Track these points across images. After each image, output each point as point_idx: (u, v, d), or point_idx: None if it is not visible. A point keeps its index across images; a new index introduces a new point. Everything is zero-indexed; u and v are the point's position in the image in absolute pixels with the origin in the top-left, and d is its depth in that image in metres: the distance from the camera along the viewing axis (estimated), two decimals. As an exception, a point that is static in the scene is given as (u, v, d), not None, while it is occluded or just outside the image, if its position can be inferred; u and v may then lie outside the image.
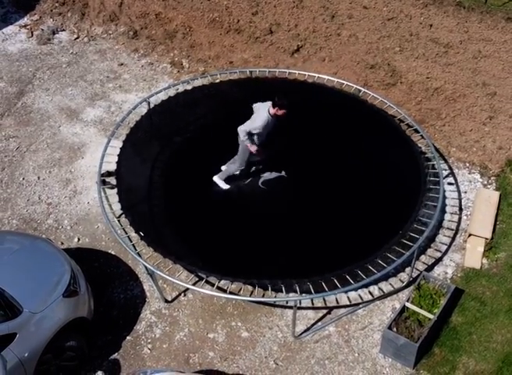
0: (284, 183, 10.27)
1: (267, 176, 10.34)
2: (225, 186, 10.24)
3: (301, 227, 9.40)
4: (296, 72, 11.69)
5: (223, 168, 10.29)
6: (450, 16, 12.57)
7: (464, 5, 12.68)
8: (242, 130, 9.45)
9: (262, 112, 9.44)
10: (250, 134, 9.52)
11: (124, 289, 9.19)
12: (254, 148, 9.62)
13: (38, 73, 12.83)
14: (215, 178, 10.25)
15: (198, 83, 11.68)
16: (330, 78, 11.35)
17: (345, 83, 11.33)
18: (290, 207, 9.70)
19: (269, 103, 9.41)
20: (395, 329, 8.13)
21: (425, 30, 12.43)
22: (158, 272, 8.38)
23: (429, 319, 8.16)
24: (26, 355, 7.32)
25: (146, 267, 8.51)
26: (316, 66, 12.52)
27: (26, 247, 8.42)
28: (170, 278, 8.39)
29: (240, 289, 8.93)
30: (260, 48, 12.99)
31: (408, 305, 8.32)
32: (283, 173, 10.40)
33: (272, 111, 9.38)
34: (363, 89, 11.22)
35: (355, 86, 11.27)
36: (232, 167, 10.16)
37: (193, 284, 8.80)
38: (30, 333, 7.42)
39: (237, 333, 8.66)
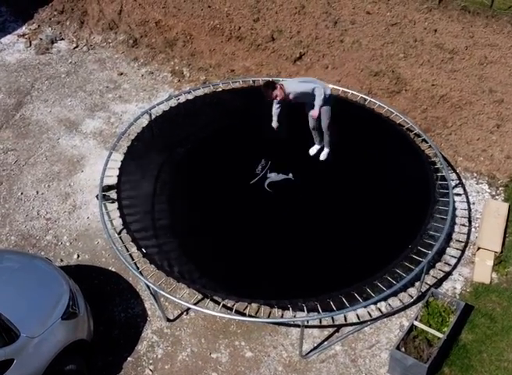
0: (291, 191, 9.97)
1: (273, 177, 10.08)
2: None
3: (308, 243, 9.16)
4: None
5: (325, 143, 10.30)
6: (455, 21, 12.35)
7: (469, 10, 12.46)
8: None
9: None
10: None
11: (125, 307, 8.98)
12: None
13: (37, 84, 12.64)
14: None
15: (200, 92, 11.45)
16: (335, 87, 11.11)
17: (350, 92, 11.12)
18: (296, 223, 9.45)
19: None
20: (403, 349, 7.91)
21: (430, 35, 12.21)
22: (161, 291, 8.17)
23: (438, 338, 7.93)
24: (24, 381, 7.10)
25: (148, 286, 8.29)
26: (319, 73, 12.30)
27: (24, 267, 8.18)
28: (173, 298, 8.17)
29: (246, 307, 8.70)
30: (262, 56, 12.77)
31: (416, 323, 8.09)
32: (290, 175, 10.13)
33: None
34: (369, 98, 11.00)
35: (360, 95, 11.04)
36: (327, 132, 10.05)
37: (197, 302, 8.61)
38: (28, 358, 7.20)
39: (241, 353, 8.45)
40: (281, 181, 10.06)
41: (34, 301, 7.70)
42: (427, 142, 10.26)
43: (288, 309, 8.22)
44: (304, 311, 8.00)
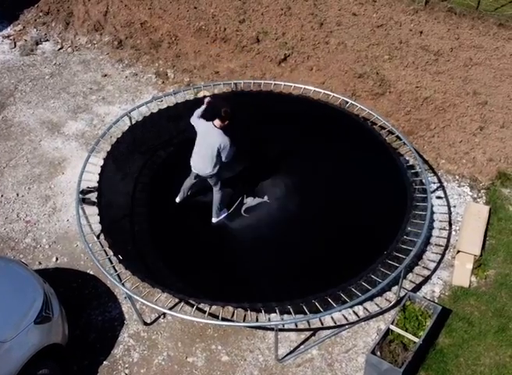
0: (267, 208, 9.98)
1: (249, 202, 10.05)
2: (224, 214, 9.91)
3: (284, 249, 9.12)
4: (282, 83, 11.36)
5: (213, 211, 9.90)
6: (441, 23, 12.31)
7: (456, 11, 12.42)
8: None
9: (216, 134, 9.04)
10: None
11: (102, 311, 8.94)
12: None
13: (20, 85, 12.60)
14: (214, 220, 9.84)
15: (182, 95, 11.40)
16: (317, 90, 11.06)
17: (332, 94, 11.04)
18: (272, 230, 9.42)
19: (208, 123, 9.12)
20: (379, 353, 7.86)
21: (415, 37, 12.17)
22: (136, 296, 8.12)
23: (414, 342, 7.88)
24: (-5, 385, 7.06)
25: (124, 291, 8.25)
26: (304, 75, 12.27)
27: (-1, 270, 8.15)
28: (147, 303, 8.11)
29: (220, 311, 8.65)
30: (246, 58, 12.73)
31: (393, 327, 8.04)
32: (266, 198, 10.09)
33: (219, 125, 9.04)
34: (350, 101, 10.93)
35: (342, 97, 10.96)
36: (216, 198, 9.66)
37: (173, 306, 8.57)
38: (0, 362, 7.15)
39: (217, 357, 8.41)
40: (257, 205, 10.09)
41: (6, 305, 7.63)
42: (407, 145, 10.18)
43: (262, 312, 8.16)
44: (278, 314, 7.94)
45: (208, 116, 9.15)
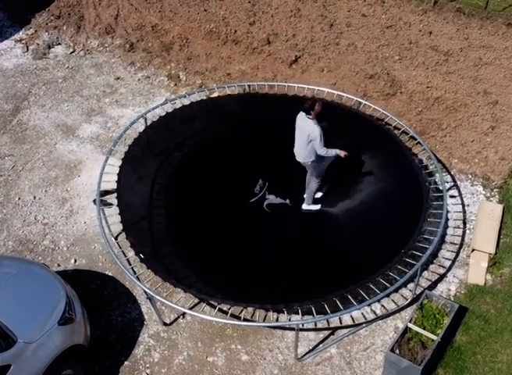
0: (287, 207, 10.12)
1: (272, 199, 10.19)
2: (316, 207, 10.12)
3: (303, 247, 9.22)
4: (296, 85, 11.49)
5: (305, 196, 10.11)
6: (450, 23, 12.39)
7: (464, 11, 12.50)
8: (322, 149, 9.23)
9: (308, 123, 9.24)
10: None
11: (122, 312, 9.04)
12: (343, 153, 9.38)
13: (34, 89, 12.70)
14: (304, 206, 10.14)
15: (196, 97, 11.51)
16: (330, 91, 11.17)
17: (345, 95, 11.15)
18: (292, 228, 9.53)
19: (303, 114, 9.27)
20: (397, 351, 7.96)
21: (425, 37, 12.26)
22: (157, 297, 8.23)
23: (432, 340, 7.98)
24: (21, 386, 7.17)
25: (145, 291, 8.35)
26: (315, 76, 12.36)
27: (21, 273, 8.24)
28: (170, 303, 8.23)
29: (241, 311, 8.75)
30: (258, 59, 12.83)
31: (411, 325, 8.14)
32: (288, 201, 10.24)
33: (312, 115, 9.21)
34: (363, 101, 11.03)
35: (355, 98, 11.07)
36: (311, 187, 9.93)
37: (194, 306, 8.67)
38: (25, 363, 7.27)
39: (237, 357, 8.51)
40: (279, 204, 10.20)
41: (31, 307, 7.77)
42: (421, 145, 10.28)
43: (283, 313, 8.24)
44: (298, 314, 8.03)
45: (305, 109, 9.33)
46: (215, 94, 11.69)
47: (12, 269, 8.34)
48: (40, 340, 7.46)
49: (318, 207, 10.09)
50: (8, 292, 7.88)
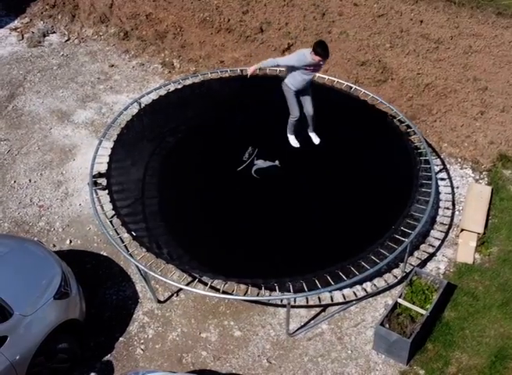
0: (277, 174, 10.17)
1: (260, 164, 10.26)
2: (294, 142, 10.37)
3: (293, 224, 9.35)
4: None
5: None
6: (441, 12, 12.57)
7: (455, 1, 12.70)
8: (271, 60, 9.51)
9: (301, 51, 9.42)
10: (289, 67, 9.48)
11: (116, 290, 9.17)
12: (251, 69, 9.65)
13: (29, 76, 12.81)
14: (288, 135, 10.37)
15: (189, 82, 11.63)
16: (321, 75, 11.30)
17: (336, 80, 11.30)
18: (281, 204, 9.65)
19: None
20: (387, 325, 8.11)
21: (416, 26, 12.44)
22: (151, 272, 8.35)
23: (422, 314, 8.14)
24: (17, 357, 7.29)
25: (138, 268, 8.48)
26: (307, 63, 12.48)
27: (17, 249, 8.37)
28: (163, 279, 8.37)
29: (234, 290, 8.89)
30: (251, 47, 12.97)
31: (400, 301, 8.30)
32: (277, 162, 10.30)
33: (310, 56, 9.22)
34: (354, 86, 11.20)
35: (346, 83, 11.23)
36: (290, 119, 10.10)
37: (186, 284, 8.78)
38: (21, 335, 7.39)
39: (230, 333, 8.64)
40: (268, 168, 10.23)
41: (27, 281, 7.89)
42: (411, 128, 10.44)
43: (275, 290, 8.38)
44: (290, 291, 8.16)
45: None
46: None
47: (8, 245, 8.47)
48: (36, 313, 7.58)
49: (295, 143, 10.35)
50: (4, 268, 8.01)
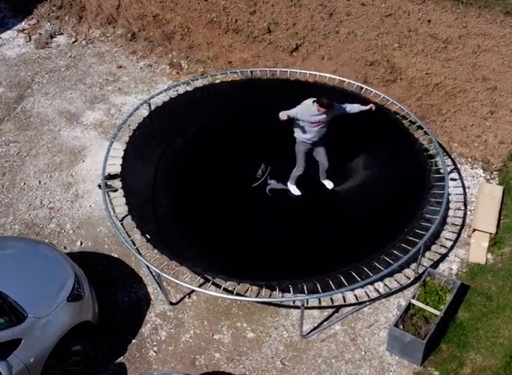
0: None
1: (274, 184, 10.34)
2: (295, 191, 10.28)
3: (306, 226, 9.35)
4: (298, 71, 11.63)
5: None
6: (448, 11, 12.51)
7: (462, 0, 12.62)
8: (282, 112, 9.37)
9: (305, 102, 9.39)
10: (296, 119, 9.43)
11: (128, 292, 9.16)
12: (282, 115, 9.34)
13: (37, 78, 12.80)
14: (288, 184, 10.33)
15: (199, 83, 11.62)
16: (331, 76, 11.30)
17: (346, 81, 11.29)
18: (295, 205, 9.65)
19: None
20: (401, 326, 8.09)
21: (424, 25, 12.38)
22: (164, 274, 8.34)
23: (435, 315, 8.12)
24: (31, 360, 7.29)
25: (150, 270, 8.47)
26: (315, 64, 12.48)
27: (29, 252, 8.39)
28: (176, 281, 8.35)
29: (247, 290, 8.87)
30: (258, 48, 12.94)
31: (414, 301, 8.28)
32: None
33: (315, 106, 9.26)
34: (364, 86, 11.17)
35: (356, 83, 11.21)
36: (294, 171, 10.11)
37: (199, 286, 8.77)
38: (35, 338, 7.39)
39: (243, 334, 8.63)
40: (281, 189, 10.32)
41: (41, 283, 7.90)
42: (422, 129, 10.42)
43: (288, 291, 8.35)
44: (303, 292, 8.14)
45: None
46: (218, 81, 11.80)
47: (21, 248, 8.50)
48: (49, 315, 7.59)
49: (296, 192, 10.26)
50: (18, 271, 8.04)
